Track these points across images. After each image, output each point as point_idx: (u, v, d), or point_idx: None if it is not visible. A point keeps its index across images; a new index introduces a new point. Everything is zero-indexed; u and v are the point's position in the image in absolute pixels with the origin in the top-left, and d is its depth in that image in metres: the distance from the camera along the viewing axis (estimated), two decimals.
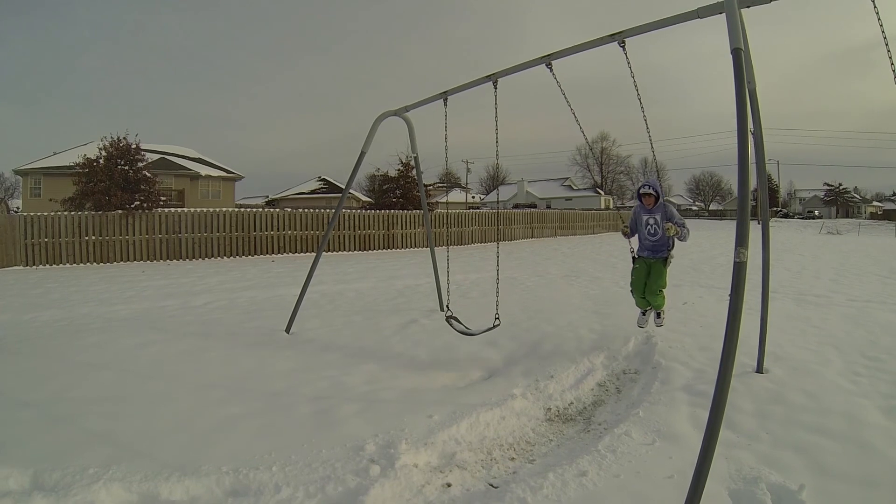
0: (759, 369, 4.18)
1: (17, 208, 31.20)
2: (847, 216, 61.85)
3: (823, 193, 70.23)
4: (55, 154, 28.76)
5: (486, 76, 4.16)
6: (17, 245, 12.82)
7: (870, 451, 2.89)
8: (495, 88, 3.99)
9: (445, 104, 4.35)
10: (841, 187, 68.58)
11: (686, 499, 2.16)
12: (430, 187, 24.89)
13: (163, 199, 16.50)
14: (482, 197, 54.38)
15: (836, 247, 18.58)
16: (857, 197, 71.70)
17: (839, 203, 68.03)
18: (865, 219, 55.77)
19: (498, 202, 5.73)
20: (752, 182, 2.80)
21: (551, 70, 3.70)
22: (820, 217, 56.72)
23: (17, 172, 29.63)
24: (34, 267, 12.85)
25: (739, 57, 2.55)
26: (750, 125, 2.64)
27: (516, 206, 45.38)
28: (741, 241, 2.31)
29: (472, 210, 26.69)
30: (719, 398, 2.18)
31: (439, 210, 20.13)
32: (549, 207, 40.79)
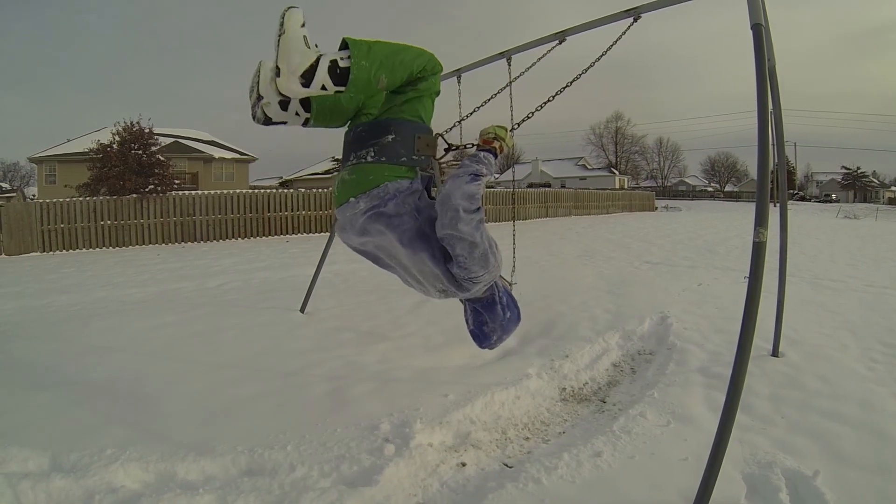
0: (775, 353, 4.14)
1: (33, 196, 31.51)
2: (865, 201, 60.74)
3: (841, 177, 69.06)
4: (69, 141, 29.00)
5: (500, 53, 4.11)
6: (34, 232, 12.96)
7: (885, 439, 2.85)
8: (509, 65, 3.94)
9: (459, 82, 4.31)
10: (859, 171, 67.36)
11: (701, 481, 2.14)
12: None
13: (177, 182, 16.61)
14: (496, 176, 54.06)
15: (853, 231, 18.31)
16: (876, 181, 70.36)
17: (857, 187, 66.87)
18: (883, 204, 54.76)
19: (514, 181, 5.68)
20: (772, 163, 2.74)
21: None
22: (837, 201, 55.86)
23: (31, 160, 29.98)
24: (51, 253, 12.99)
25: (760, 33, 2.47)
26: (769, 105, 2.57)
27: (530, 186, 45.15)
28: (760, 220, 2.26)
29: (486, 189, 26.60)
30: (736, 380, 2.16)
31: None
32: (563, 187, 40.53)
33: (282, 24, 1.79)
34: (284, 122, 2.15)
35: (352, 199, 2.06)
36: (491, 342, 2.43)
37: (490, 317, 2.35)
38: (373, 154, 2.09)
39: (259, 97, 1.98)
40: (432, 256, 2.05)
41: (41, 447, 2.72)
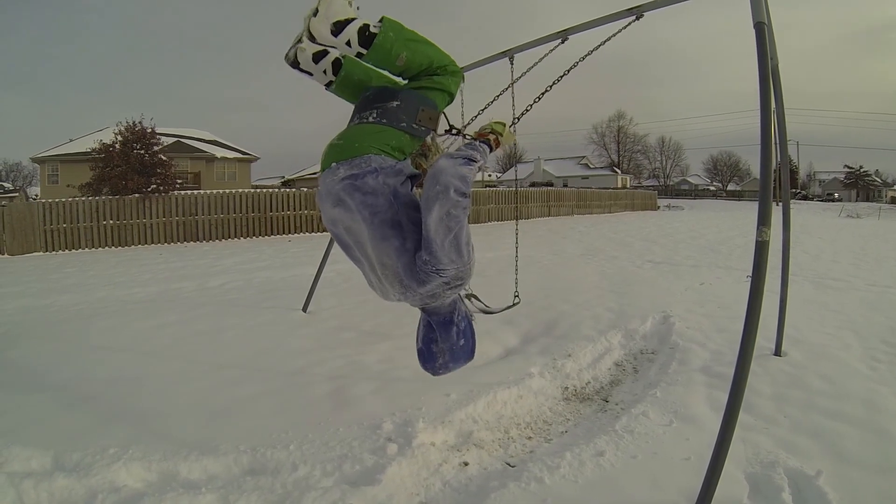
0: (778, 352, 4.13)
1: (36, 195, 31.57)
2: (867, 200, 60.55)
3: (843, 176, 68.88)
4: (71, 141, 29.05)
5: (502, 52, 4.11)
6: (37, 231, 12.99)
7: (888, 439, 2.84)
8: (511, 64, 3.93)
9: (462, 80, 4.30)
10: (861, 170, 67.22)
11: (703, 481, 2.14)
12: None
13: (179, 182, 16.64)
14: (499, 175, 54.01)
15: (856, 230, 18.26)
16: (878, 180, 70.20)
17: (859, 186, 66.70)
18: (886, 203, 54.60)
19: (516, 180, 5.67)
20: (774, 161, 2.73)
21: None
22: (839, 200, 55.74)
23: (34, 160, 30.03)
24: (54, 252, 13.02)
25: (763, 31, 2.47)
26: (772, 103, 2.57)
27: (533, 185, 45.09)
28: (763, 219, 2.25)
29: (488, 188, 26.53)
30: (739, 380, 2.15)
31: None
32: (565, 186, 40.51)
33: None
34: (310, 74, 2.24)
35: (334, 164, 1.98)
36: (435, 365, 2.19)
37: (442, 336, 2.14)
38: (374, 116, 2.09)
39: (299, 40, 2.10)
40: (399, 249, 1.89)
41: (43, 446, 2.72)
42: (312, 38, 2.10)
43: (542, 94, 3.04)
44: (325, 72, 2.23)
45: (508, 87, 3.79)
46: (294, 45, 2.17)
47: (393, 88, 2.18)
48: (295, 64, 2.20)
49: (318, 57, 2.20)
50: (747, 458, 2.64)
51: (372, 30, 2.01)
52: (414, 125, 2.11)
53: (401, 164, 1.98)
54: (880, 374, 3.74)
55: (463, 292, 2.26)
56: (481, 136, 2.28)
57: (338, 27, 2.01)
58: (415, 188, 2.03)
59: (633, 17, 3.23)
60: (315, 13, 2.01)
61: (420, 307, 2.15)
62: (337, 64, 2.22)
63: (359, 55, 2.08)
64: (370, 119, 2.10)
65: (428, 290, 1.94)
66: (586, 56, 3.15)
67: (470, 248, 1.95)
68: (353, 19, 2.01)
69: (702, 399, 3.36)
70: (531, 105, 3.04)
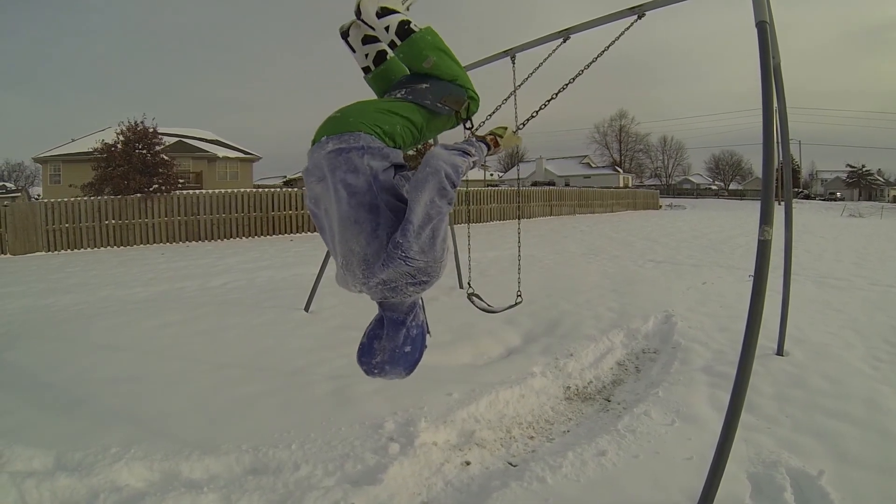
0: (780, 352, 4.12)
1: (38, 195, 31.62)
2: (870, 199, 60.36)
3: (846, 175, 68.72)
4: (73, 141, 29.06)
5: (504, 51, 4.10)
6: (39, 231, 13.02)
7: (890, 438, 2.84)
8: (513, 63, 3.93)
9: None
10: (864, 169, 67.08)
11: (705, 481, 2.14)
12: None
13: (181, 181, 16.65)
14: (500, 175, 53.96)
15: (858, 230, 18.20)
16: (881, 179, 70.03)
17: (862, 185, 66.56)
18: (889, 202, 54.40)
19: (518, 179, 5.65)
20: (776, 160, 2.73)
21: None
22: (842, 199, 55.53)
23: (36, 160, 30.05)
24: (56, 252, 13.05)
25: (765, 30, 2.46)
26: (774, 102, 2.56)
27: (534, 184, 45.04)
28: (766, 218, 2.25)
29: (490, 188, 26.51)
30: (741, 379, 2.15)
31: (458, 188, 20.07)
32: (567, 185, 40.44)
33: None
34: (353, 51, 2.43)
35: (324, 137, 1.92)
36: (370, 362, 2.07)
37: (389, 334, 2.04)
38: (402, 93, 2.15)
39: (359, 11, 2.23)
40: (370, 235, 1.81)
41: (46, 446, 2.73)
42: (359, 14, 2.24)
43: (549, 100, 3.04)
44: (366, 56, 2.40)
45: (514, 91, 3.79)
46: (353, 20, 2.33)
47: (425, 75, 2.24)
48: (344, 35, 2.39)
49: (367, 40, 2.37)
50: (749, 458, 2.64)
51: (412, 26, 2.16)
52: (438, 104, 2.14)
53: (388, 149, 1.93)
54: (883, 374, 3.74)
55: (422, 301, 2.18)
56: (480, 138, 2.30)
57: (384, 11, 2.17)
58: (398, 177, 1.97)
59: (635, 17, 3.22)
60: None
61: (379, 301, 2.06)
62: (380, 56, 2.39)
63: (392, 44, 2.20)
64: (397, 96, 2.16)
65: (390, 277, 1.86)
66: (594, 61, 3.14)
67: (444, 248, 1.92)
68: (398, 12, 2.18)
69: (704, 399, 3.36)
70: (536, 112, 3.03)
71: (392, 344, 2.04)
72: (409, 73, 2.33)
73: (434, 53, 2.18)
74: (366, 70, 2.43)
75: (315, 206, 1.97)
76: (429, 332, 2.20)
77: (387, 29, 2.16)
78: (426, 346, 2.14)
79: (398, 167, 1.95)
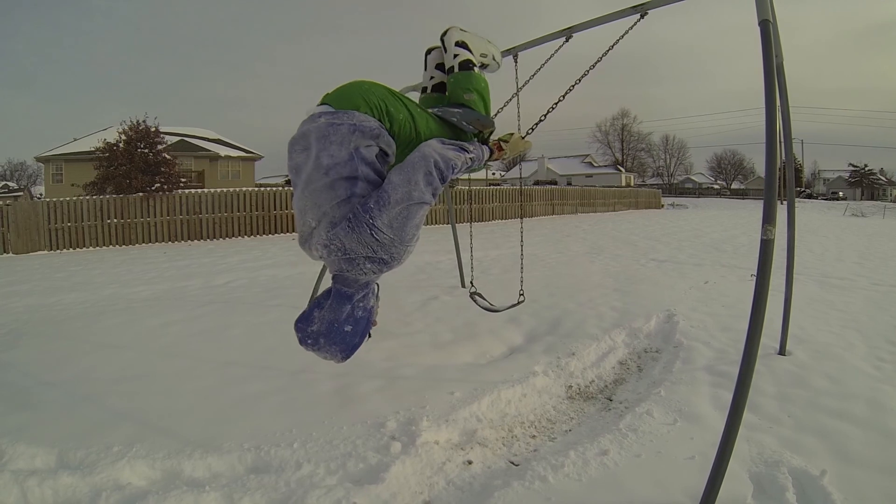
0: (782, 351, 4.11)
1: (40, 194, 31.65)
2: (872, 198, 60.22)
3: (848, 174, 68.59)
4: (75, 140, 29.15)
5: (507, 49, 4.09)
6: (42, 230, 13.05)
7: (892, 438, 2.83)
8: (516, 62, 3.92)
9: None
10: (866, 168, 66.95)
11: (708, 480, 2.14)
12: None
13: (183, 180, 16.67)
14: (503, 174, 53.92)
15: (861, 229, 18.17)
16: (883, 179, 69.83)
17: (864, 185, 66.42)
18: (891, 201, 54.22)
19: (521, 178, 5.64)
20: (779, 160, 2.72)
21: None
22: (844, 199, 55.41)
23: (38, 160, 30.13)
24: (58, 251, 13.08)
25: (767, 29, 2.45)
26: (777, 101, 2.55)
27: (537, 183, 45.01)
28: (769, 218, 2.24)
29: (492, 186, 26.49)
30: (744, 379, 2.14)
31: (460, 186, 20.06)
32: (569, 184, 40.44)
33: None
34: (424, 69, 2.77)
35: (318, 111, 1.89)
36: (306, 329, 2.02)
37: (333, 305, 1.97)
38: (433, 110, 2.28)
39: (445, 33, 2.57)
40: (344, 200, 1.81)
41: (48, 444, 2.74)
42: (444, 35, 2.56)
43: (556, 103, 3.05)
44: (431, 78, 2.73)
45: (518, 91, 3.80)
46: (438, 46, 2.66)
47: (460, 104, 2.43)
48: (428, 53, 2.74)
49: (439, 66, 2.69)
50: (751, 458, 2.64)
51: (473, 67, 2.47)
52: (464, 123, 2.32)
53: (381, 129, 1.88)
54: (885, 374, 3.73)
55: (377, 290, 2.13)
56: (484, 141, 2.48)
57: (462, 44, 2.51)
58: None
59: (638, 16, 3.21)
60: (462, 29, 2.57)
61: (335, 272, 2.01)
62: (438, 87, 2.68)
63: (450, 70, 2.51)
64: (427, 110, 2.26)
65: (351, 246, 1.83)
66: (598, 61, 3.14)
67: (413, 236, 1.89)
68: (472, 52, 2.51)
69: (706, 398, 3.35)
70: (544, 116, 3.05)
71: (332, 315, 1.97)
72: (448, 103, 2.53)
73: (476, 93, 2.42)
74: (423, 90, 2.75)
75: (296, 176, 1.93)
76: (375, 322, 2.13)
77: (455, 56, 2.47)
78: (369, 336, 2.07)
79: (384, 153, 1.93)
